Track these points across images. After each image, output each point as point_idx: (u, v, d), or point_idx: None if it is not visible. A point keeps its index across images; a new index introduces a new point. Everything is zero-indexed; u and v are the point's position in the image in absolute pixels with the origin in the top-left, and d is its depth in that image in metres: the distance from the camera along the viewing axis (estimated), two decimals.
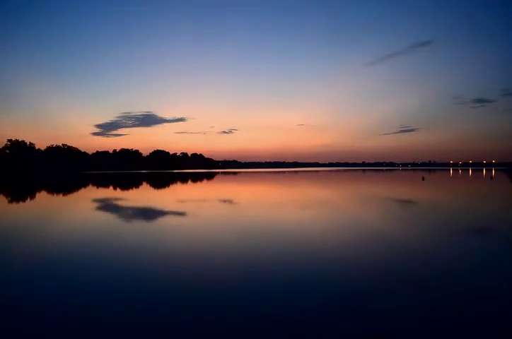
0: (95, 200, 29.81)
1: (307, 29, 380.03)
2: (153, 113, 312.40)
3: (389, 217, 18.98)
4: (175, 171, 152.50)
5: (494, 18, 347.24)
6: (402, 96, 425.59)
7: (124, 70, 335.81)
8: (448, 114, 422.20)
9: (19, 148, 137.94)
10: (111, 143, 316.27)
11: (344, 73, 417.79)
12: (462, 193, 37.11)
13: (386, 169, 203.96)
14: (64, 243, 12.81)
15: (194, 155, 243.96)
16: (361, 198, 30.80)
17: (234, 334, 5.84)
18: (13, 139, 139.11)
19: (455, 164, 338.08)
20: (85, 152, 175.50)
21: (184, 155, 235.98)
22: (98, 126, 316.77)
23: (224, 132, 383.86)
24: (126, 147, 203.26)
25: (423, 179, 67.43)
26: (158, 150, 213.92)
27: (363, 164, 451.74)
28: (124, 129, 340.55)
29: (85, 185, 56.33)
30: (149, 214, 21.08)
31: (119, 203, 27.94)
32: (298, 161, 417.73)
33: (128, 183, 64.48)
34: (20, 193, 41.92)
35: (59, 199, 33.35)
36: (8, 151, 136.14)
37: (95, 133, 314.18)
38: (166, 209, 22.83)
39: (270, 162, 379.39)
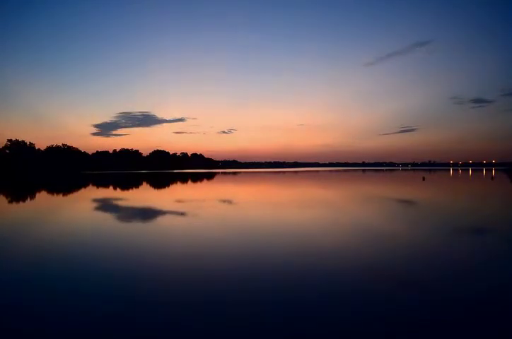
0: (94, 201, 29.80)
1: (307, 29, 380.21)
2: (153, 113, 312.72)
3: (392, 218, 18.97)
4: (175, 172, 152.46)
5: (494, 17, 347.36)
6: (402, 96, 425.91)
7: (124, 70, 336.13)
8: (448, 114, 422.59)
9: (19, 148, 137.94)
10: (111, 143, 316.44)
11: (344, 73, 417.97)
12: (464, 193, 37.09)
13: (386, 169, 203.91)
14: (60, 243, 12.79)
15: (194, 155, 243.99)
16: (363, 198, 30.78)
17: (235, 335, 5.84)
18: (13, 139, 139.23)
19: (455, 164, 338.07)
20: (85, 152, 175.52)
21: (184, 155, 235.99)
22: (98, 126, 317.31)
23: (224, 132, 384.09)
24: (126, 147, 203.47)
25: (423, 179, 67.39)
26: (158, 150, 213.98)
27: (363, 164, 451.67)
28: (124, 129, 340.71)
29: (84, 185, 56.32)
30: (148, 214, 21.07)
31: (118, 203, 27.93)
32: (298, 161, 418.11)
33: (128, 183, 64.48)
34: (19, 193, 41.91)
35: (57, 199, 33.34)
36: (8, 151, 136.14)
37: (95, 133, 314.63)
38: (165, 209, 22.83)
39: (270, 162, 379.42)
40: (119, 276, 8.84)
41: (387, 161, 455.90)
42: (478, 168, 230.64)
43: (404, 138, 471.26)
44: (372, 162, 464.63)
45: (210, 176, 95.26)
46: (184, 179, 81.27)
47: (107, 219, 18.96)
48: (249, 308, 6.79)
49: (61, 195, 37.66)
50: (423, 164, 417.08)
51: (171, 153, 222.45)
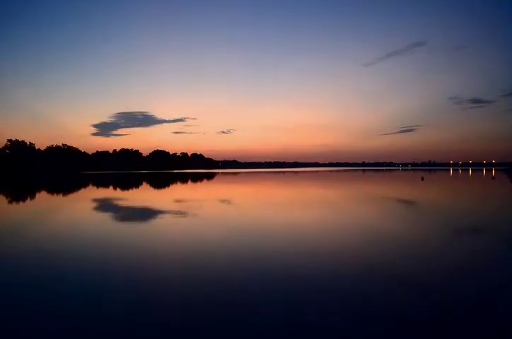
0: (93, 201, 29.79)
1: (307, 29, 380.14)
2: (153, 113, 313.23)
3: (393, 218, 18.94)
4: (175, 172, 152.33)
5: (494, 17, 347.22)
6: (402, 96, 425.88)
7: (125, 70, 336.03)
8: (448, 114, 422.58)
9: (19, 148, 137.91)
10: (111, 143, 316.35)
11: (344, 74, 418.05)
12: (465, 193, 37.05)
13: (386, 169, 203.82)
14: (56, 243, 12.78)
15: (194, 155, 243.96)
16: (363, 198, 30.76)
17: (236, 335, 5.84)
18: (13, 139, 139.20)
19: (455, 164, 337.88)
20: (85, 152, 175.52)
21: (184, 155, 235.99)
22: (98, 126, 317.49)
23: (224, 132, 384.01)
24: (126, 147, 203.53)
25: (422, 179, 67.31)
26: (158, 150, 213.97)
27: (363, 164, 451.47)
28: (124, 129, 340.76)
29: (83, 185, 56.28)
30: (146, 215, 21.04)
31: (117, 203, 27.91)
32: (298, 161, 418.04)
33: (127, 183, 64.44)
34: (17, 193, 41.90)
35: (55, 199, 33.32)
36: (8, 151, 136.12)
37: (95, 133, 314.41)
38: (164, 210, 22.79)
39: (270, 162, 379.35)
40: (112, 276, 8.84)
41: (387, 161, 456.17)
42: (478, 168, 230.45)
43: (404, 138, 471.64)
44: (372, 162, 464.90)
45: (210, 177, 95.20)
46: (184, 179, 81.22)
47: (104, 219, 18.92)
48: (252, 309, 6.79)
49: (59, 196, 37.63)
50: (423, 164, 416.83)
51: (171, 153, 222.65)
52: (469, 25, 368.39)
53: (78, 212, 22.45)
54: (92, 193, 40.69)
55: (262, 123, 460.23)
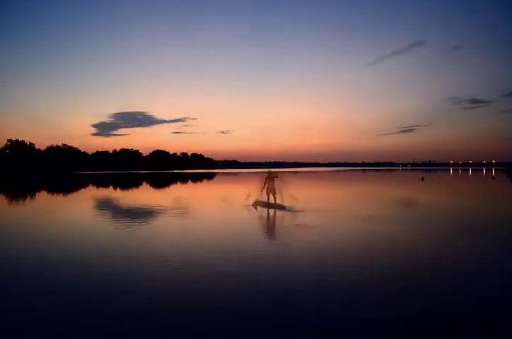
0: (91, 201, 29.74)
1: (307, 29, 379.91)
2: (153, 113, 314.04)
3: (401, 218, 18.89)
4: (175, 172, 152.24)
5: (494, 17, 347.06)
6: (402, 96, 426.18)
7: (125, 70, 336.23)
8: (448, 114, 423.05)
9: (19, 148, 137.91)
10: (111, 143, 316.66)
11: (344, 74, 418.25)
12: (467, 193, 36.99)
13: (386, 169, 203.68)
14: (48, 243, 12.73)
15: (194, 154, 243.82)
16: (377, 200, 30.71)
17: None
18: (13, 139, 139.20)
19: (455, 164, 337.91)
20: (85, 152, 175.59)
21: (184, 154, 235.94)
22: (98, 126, 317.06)
23: (224, 132, 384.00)
24: (126, 147, 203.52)
25: (422, 179, 67.27)
26: (158, 150, 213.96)
27: (363, 164, 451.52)
28: (123, 129, 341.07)
29: (82, 185, 56.23)
30: (144, 215, 20.98)
31: (115, 203, 27.85)
32: (298, 161, 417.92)
33: (125, 183, 64.39)
34: (16, 193, 41.87)
35: (52, 200, 33.27)
36: (8, 151, 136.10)
37: (95, 134, 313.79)
38: (162, 211, 22.72)
39: (270, 162, 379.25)
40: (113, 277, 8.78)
41: (387, 161, 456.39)
42: (478, 168, 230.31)
43: (404, 138, 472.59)
44: (372, 162, 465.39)
45: (211, 177, 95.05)
46: (184, 180, 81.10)
47: (101, 219, 18.87)
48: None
49: (57, 196, 37.58)
50: (423, 164, 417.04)
51: (171, 153, 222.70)
52: (469, 25, 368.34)
53: (73, 213, 22.37)
54: (90, 193, 40.63)
55: (261, 123, 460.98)
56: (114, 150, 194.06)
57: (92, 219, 18.77)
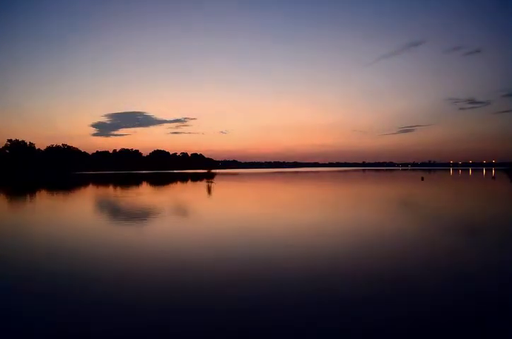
0: (89, 201, 29.69)
1: (307, 29, 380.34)
2: (153, 113, 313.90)
3: (405, 218, 18.86)
4: (175, 172, 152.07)
5: (493, 16, 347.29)
6: (402, 96, 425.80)
7: (125, 70, 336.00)
8: (448, 114, 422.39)
9: (19, 148, 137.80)
10: (111, 143, 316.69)
11: (344, 75, 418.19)
12: (469, 194, 36.96)
13: (386, 169, 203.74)
14: (41, 243, 12.71)
15: (194, 155, 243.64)
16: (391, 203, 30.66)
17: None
18: (13, 139, 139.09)
19: (455, 164, 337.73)
20: (85, 152, 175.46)
21: (184, 154, 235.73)
22: (98, 126, 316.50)
23: (224, 132, 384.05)
24: (126, 147, 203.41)
25: (422, 179, 67.32)
26: (158, 150, 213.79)
27: (363, 164, 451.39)
28: (124, 129, 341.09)
29: (81, 186, 56.16)
30: (142, 216, 20.96)
31: (112, 203, 27.82)
32: (298, 161, 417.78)
33: (125, 184, 64.33)
34: (14, 194, 41.83)
35: (50, 200, 33.24)
36: (8, 151, 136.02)
37: (95, 134, 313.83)
38: (160, 212, 22.68)
39: (270, 162, 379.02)
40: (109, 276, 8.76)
41: (387, 161, 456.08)
42: (478, 168, 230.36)
43: (404, 138, 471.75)
44: (372, 162, 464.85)
45: (210, 178, 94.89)
46: (184, 181, 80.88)
47: (98, 219, 18.84)
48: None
49: (57, 196, 37.54)
50: (423, 164, 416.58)
51: (171, 153, 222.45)
52: (468, 26, 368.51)
53: (70, 213, 22.35)
54: (89, 193, 40.61)
55: (261, 123, 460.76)
56: (114, 150, 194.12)
57: (90, 219, 18.77)
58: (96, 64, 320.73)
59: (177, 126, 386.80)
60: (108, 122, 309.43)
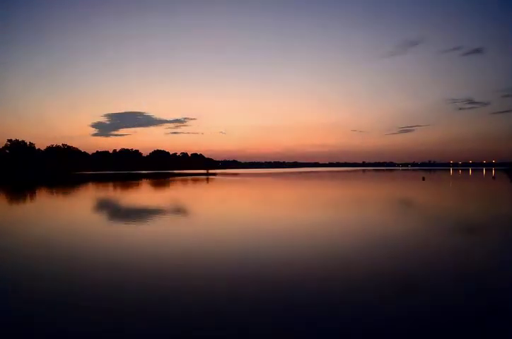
0: (86, 201, 29.66)
1: (308, 30, 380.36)
2: (153, 113, 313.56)
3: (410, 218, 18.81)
4: (175, 172, 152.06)
5: (493, 17, 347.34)
6: (402, 96, 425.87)
7: (125, 70, 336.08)
8: (448, 114, 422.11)
9: (19, 148, 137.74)
10: (111, 143, 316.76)
11: (343, 74, 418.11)
12: (471, 194, 36.93)
13: (386, 169, 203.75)
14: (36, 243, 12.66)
15: (194, 155, 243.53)
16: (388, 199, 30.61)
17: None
18: (13, 139, 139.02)
19: (455, 164, 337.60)
20: (85, 152, 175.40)
21: (184, 154, 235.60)
22: (98, 126, 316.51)
23: (224, 132, 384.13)
24: (126, 147, 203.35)
25: (423, 179, 67.42)
26: (158, 150, 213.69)
27: (364, 164, 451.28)
28: (124, 129, 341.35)
29: (81, 186, 56.12)
30: (139, 216, 20.91)
31: (110, 203, 27.77)
32: (298, 161, 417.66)
33: (125, 184, 64.28)
34: (13, 193, 41.81)
35: (48, 200, 33.21)
36: (8, 151, 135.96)
37: (95, 134, 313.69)
38: (157, 212, 22.60)
39: (270, 162, 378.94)
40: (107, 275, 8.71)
41: (387, 161, 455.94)
42: (478, 168, 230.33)
43: (404, 138, 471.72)
44: (372, 162, 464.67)
45: (211, 179, 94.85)
46: (183, 183, 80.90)
47: (94, 219, 18.80)
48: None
49: (57, 196, 37.51)
50: (423, 164, 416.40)
51: (171, 153, 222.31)
52: (467, 26, 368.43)
53: (67, 213, 22.31)
54: (89, 193, 40.58)
55: (261, 124, 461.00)
56: (114, 150, 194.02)
57: (88, 219, 18.73)
58: (96, 64, 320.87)
59: (177, 126, 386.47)
60: (108, 122, 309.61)
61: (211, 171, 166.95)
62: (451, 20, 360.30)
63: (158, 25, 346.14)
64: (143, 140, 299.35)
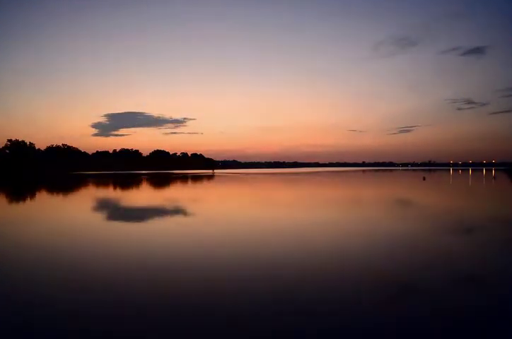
0: (84, 201, 29.66)
1: (307, 29, 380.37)
2: (153, 113, 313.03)
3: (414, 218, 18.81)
4: (175, 172, 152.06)
5: (493, 16, 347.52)
6: (401, 96, 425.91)
7: (125, 70, 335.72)
8: (448, 114, 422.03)
9: (19, 148, 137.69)
10: (111, 143, 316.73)
11: (343, 73, 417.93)
12: (472, 194, 36.95)
13: (386, 169, 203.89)
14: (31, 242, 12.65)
15: (194, 154, 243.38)
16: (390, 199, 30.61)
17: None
18: (13, 139, 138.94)
19: (455, 164, 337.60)
20: (85, 152, 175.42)
21: (184, 154, 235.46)
22: (98, 126, 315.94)
23: (224, 132, 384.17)
24: (126, 147, 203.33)
25: (424, 179, 67.54)
26: (158, 150, 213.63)
27: (363, 164, 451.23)
28: (124, 129, 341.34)
29: (81, 186, 56.10)
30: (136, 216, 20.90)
31: (108, 203, 27.76)
32: (298, 161, 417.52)
33: (124, 184, 64.26)
34: (13, 193, 41.80)
35: (49, 200, 33.20)
36: (8, 151, 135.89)
37: (95, 134, 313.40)
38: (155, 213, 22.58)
39: (270, 162, 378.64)
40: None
41: (387, 161, 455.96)
42: (478, 168, 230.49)
43: (404, 138, 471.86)
44: (372, 162, 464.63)
45: (211, 179, 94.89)
46: (184, 183, 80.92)
47: (91, 219, 18.79)
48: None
49: (56, 196, 37.51)
50: (423, 164, 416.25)
51: (171, 153, 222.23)
52: (466, 26, 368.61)
53: (68, 213, 22.31)
54: (88, 193, 40.58)
55: (261, 123, 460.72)
56: (114, 150, 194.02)
57: (85, 219, 18.72)
58: (97, 65, 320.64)
59: (176, 126, 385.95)
60: (108, 122, 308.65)
61: (216, 171, 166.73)
62: (450, 21, 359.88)
63: (158, 24, 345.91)
64: (143, 140, 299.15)
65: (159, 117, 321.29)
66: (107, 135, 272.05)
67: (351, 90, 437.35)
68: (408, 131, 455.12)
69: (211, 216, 19.44)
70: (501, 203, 27.08)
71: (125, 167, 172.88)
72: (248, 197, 32.84)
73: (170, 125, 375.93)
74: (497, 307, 6.70)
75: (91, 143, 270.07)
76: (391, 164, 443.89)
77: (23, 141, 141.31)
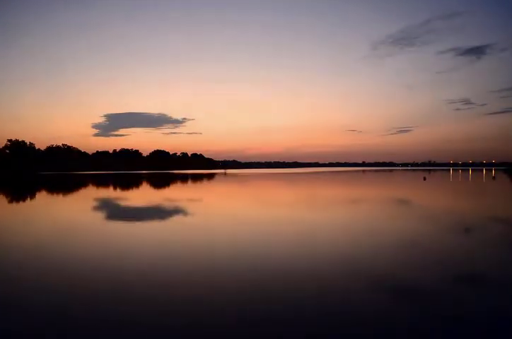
0: (83, 201, 29.65)
1: (307, 29, 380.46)
2: (153, 113, 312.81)
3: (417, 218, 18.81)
4: (175, 172, 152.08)
5: (493, 17, 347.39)
6: (400, 96, 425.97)
7: (125, 70, 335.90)
8: (448, 114, 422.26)
9: (19, 148, 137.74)
10: (111, 143, 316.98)
11: (343, 74, 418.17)
12: (473, 194, 36.95)
13: (386, 169, 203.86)
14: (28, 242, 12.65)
15: (194, 154, 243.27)
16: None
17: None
18: (13, 139, 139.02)
19: (455, 164, 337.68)
20: (85, 152, 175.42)
21: (184, 154, 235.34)
22: (98, 126, 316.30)
23: (224, 132, 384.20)
24: (126, 147, 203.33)
25: (424, 179, 67.64)
26: (158, 150, 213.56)
27: (363, 164, 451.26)
28: (124, 130, 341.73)
29: (80, 186, 56.09)
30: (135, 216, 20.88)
31: (106, 203, 27.74)
32: (298, 161, 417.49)
33: (124, 184, 64.25)
34: (15, 194, 41.76)
35: (49, 200, 33.19)
36: (8, 151, 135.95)
37: (95, 134, 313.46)
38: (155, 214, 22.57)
39: (270, 162, 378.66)
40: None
41: (387, 161, 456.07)
42: (478, 168, 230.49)
43: (404, 138, 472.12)
44: (372, 162, 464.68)
45: (211, 179, 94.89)
46: (184, 183, 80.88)
47: (89, 219, 18.79)
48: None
49: (56, 196, 37.51)
50: (423, 164, 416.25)
51: (171, 153, 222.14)
52: (465, 26, 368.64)
53: (68, 213, 22.31)
54: (88, 193, 40.56)
55: (261, 124, 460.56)
56: (114, 150, 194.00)
57: (87, 219, 18.72)
58: (97, 65, 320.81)
59: (176, 126, 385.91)
60: (108, 122, 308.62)
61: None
62: (449, 21, 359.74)
63: (160, 25, 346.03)
64: (143, 140, 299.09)
65: (159, 117, 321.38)
66: (107, 136, 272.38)
67: (350, 90, 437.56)
68: (407, 131, 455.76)
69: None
70: (501, 202, 27.09)
71: (125, 167, 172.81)
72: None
73: (169, 125, 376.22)
74: (505, 308, 6.70)
75: (91, 143, 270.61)
76: (391, 164, 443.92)
77: (23, 141, 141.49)
